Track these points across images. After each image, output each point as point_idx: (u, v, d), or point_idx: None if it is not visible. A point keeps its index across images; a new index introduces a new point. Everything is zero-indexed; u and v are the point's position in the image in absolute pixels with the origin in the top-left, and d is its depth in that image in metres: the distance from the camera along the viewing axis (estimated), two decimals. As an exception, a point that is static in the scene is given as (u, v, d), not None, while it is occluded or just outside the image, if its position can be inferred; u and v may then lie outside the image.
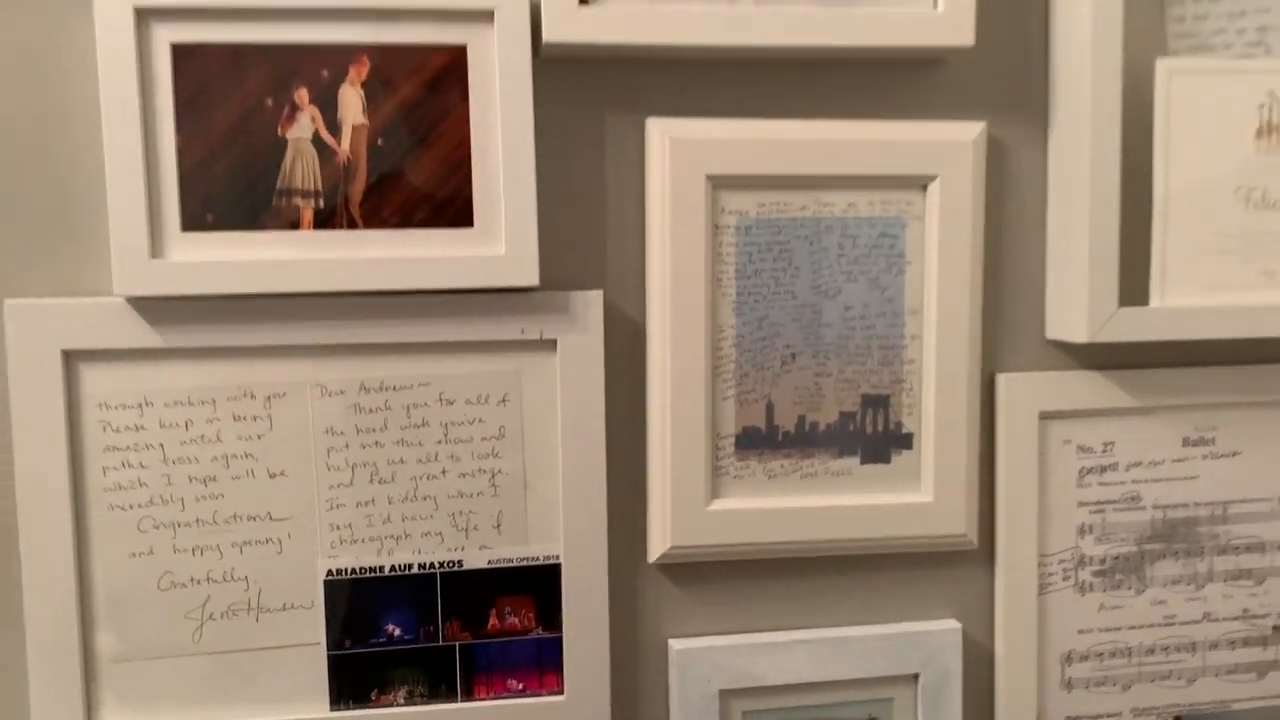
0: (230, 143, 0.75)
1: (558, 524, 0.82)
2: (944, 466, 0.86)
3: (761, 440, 0.85)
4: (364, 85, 0.76)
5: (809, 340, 0.85)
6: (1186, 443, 0.90)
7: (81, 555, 0.77)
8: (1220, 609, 0.92)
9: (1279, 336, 0.85)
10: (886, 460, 0.87)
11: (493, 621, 0.83)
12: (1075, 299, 0.84)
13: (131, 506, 0.78)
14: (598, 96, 0.82)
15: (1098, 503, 0.90)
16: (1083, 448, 0.89)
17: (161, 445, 0.78)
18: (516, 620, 0.83)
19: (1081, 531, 0.90)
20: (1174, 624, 0.91)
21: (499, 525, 0.82)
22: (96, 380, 0.76)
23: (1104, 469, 0.89)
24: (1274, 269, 0.85)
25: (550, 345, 0.81)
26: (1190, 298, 0.84)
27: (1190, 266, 0.84)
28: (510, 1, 0.76)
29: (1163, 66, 0.82)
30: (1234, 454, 0.91)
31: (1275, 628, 0.93)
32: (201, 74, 0.74)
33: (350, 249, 0.77)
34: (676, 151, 0.81)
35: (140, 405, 0.77)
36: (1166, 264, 0.84)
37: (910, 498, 0.87)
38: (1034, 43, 0.87)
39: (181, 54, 0.74)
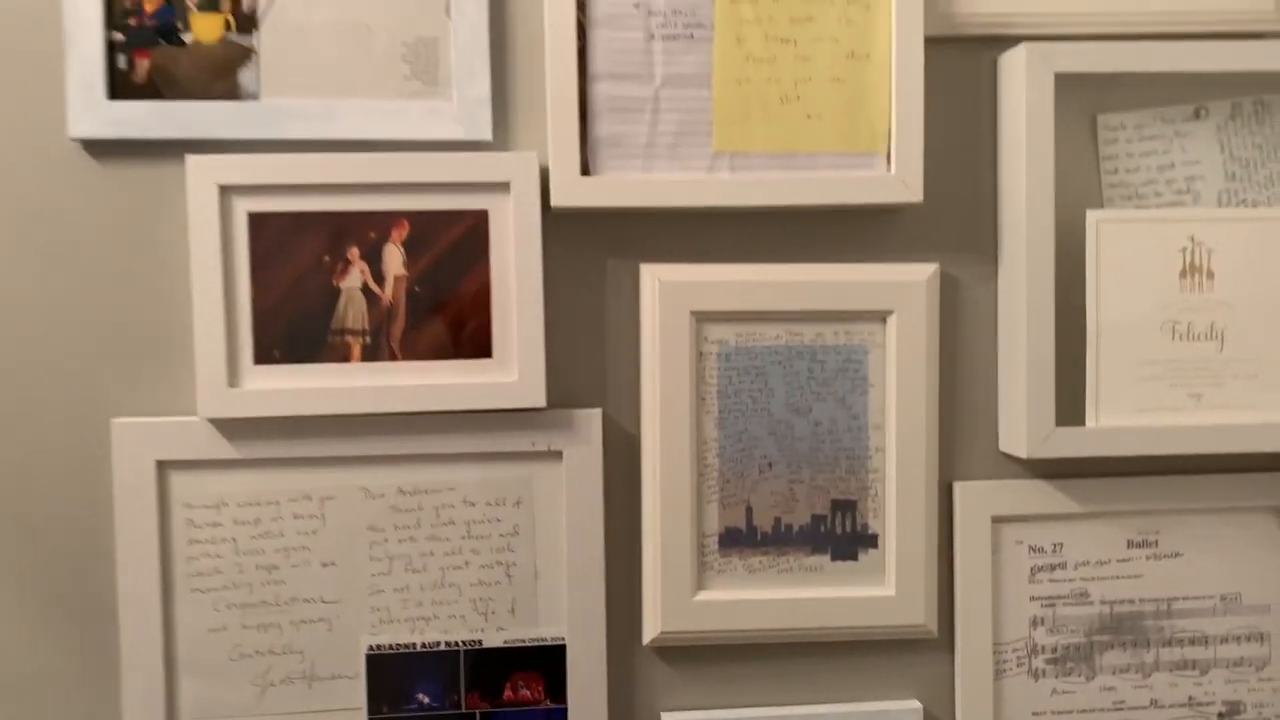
0: (294, 291, 0.92)
1: (563, 610, 0.96)
2: (906, 564, 0.98)
3: (742, 539, 0.98)
4: (404, 243, 0.93)
5: (784, 451, 0.98)
6: (1131, 544, 1.00)
7: (168, 629, 0.93)
8: (1167, 696, 1.01)
9: (1208, 453, 0.95)
10: (854, 558, 0.99)
11: (508, 693, 0.96)
12: (1017, 419, 0.95)
13: (209, 590, 0.94)
14: (599, 245, 0.97)
15: (1049, 597, 1.00)
16: (1034, 548, 1.00)
17: (234, 539, 0.94)
18: (528, 692, 0.97)
19: (1034, 623, 1.00)
20: (1123, 709, 1.01)
21: (513, 610, 0.96)
22: (183, 485, 0.93)
23: (1054, 567, 1.00)
24: (1200, 392, 0.95)
25: (557, 456, 0.95)
26: (1122, 419, 0.95)
27: (1122, 391, 0.95)
28: (523, 175, 0.92)
29: (1092, 217, 0.94)
30: (1176, 555, 1.00)
31: (1220, 715, 1.01)
32: (272, 236, 0.91)
33: (391, 378, 0.92)
34: (665, 292, 0.95)
35: (218, 506, 0.93)
36: (1100, 389, 0.95)
37: (876, 591, 0.98)
38: (984, 191, 0.99)
39: (256, 220, 0.91)
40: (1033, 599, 1.00)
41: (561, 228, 0.96)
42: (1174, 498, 1.00)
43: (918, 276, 0.97)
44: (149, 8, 0.92)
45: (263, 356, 0.92)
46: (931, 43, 0.95)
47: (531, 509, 0.96)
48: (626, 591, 0.98)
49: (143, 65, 0.92)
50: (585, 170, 0.94)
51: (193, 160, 0.90)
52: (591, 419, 0.96)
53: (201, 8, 0.93)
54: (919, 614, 0.98)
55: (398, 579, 0.95)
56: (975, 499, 0.99)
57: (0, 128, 0.92)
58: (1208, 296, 0.95)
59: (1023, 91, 0.93)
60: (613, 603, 0.97)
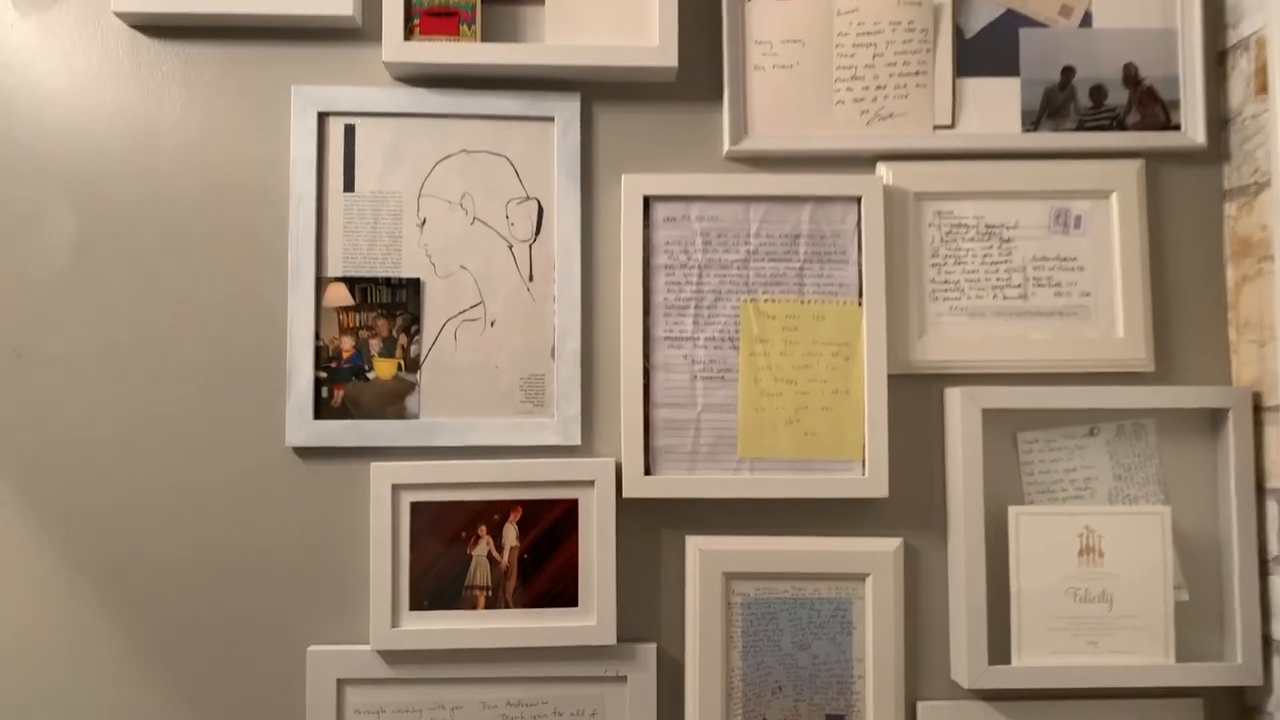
0: (440, 558, 1.30)
1: (626, 795, 1.30)
2: (882, 764, 1.31)
3: (759, 743, 1.32)
4: (518, 523, 1.31)
5: (790, 677, 1.32)
6: (1054, 753, 1.33)
7: (337, 804, 1.28)
8: None
9: (1102, 687, 1.29)
10: (843, 758, 1.32)
11: None
12: (961, 658, 1.30)
13: (369, 775, 1.29)
14: (656, 523, 1.34)
15: (991, 792, 1.32)
16: (979, 753, 1.33)
17: (389, 737, 1.30)
18: None
19: (980, 812, 1.32)
20: None
21: (588, 794, 1.31)
22: (355, 696, 1.29)
23: (995, 769, 1.33)
24: (1096, 640, 1.29)
25: (623, 679, 1.31)
26: (1038, 660, 1.29)
27: (1038, 639, 1.29)
28: (604, 475, 1.30)
29: (1012, 511, 1.30)
30: (1089, 762, 1.33)
31: None
32: (426, 519, 1.30)
33: (505, 622, 1.29)
34: (704, 558, 1.32)
35: (378, 713, 1.29)
36: (1021, 638, 1.29)
37: (859, 785, 1.32)
38: (936, 485, 1.36)
39: (416, 508, 1.30)
40: (979, 793, 1.32)
41: (630, 511, 1.33)
42: (1085, 718, 1.32)
43: (887, 548, 1.33)
44: (345, 354, 1.33)
45: (416, 605, 1.29)
46: (895, 380, 1.34)
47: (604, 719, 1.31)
48: (673, 782, 1.32)
49: (339, 394, 1.33)
50: (648, 471, 1.32)
51: (375, 466, 1.29)
52: (649, 652, 1.31)
53: (381, 355, 1.33)
54: (892, 804, 1.31)
55: (505, 769, 1.30)
56: (934, 716, 1.33)
57: (239, 439, 1.32)
58: (1100, 570, 1.30)
59: (959, 421, 1.31)
60: (662, 790, 1.31)
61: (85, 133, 1.34)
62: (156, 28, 1.35)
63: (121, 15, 1.33)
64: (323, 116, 1.34)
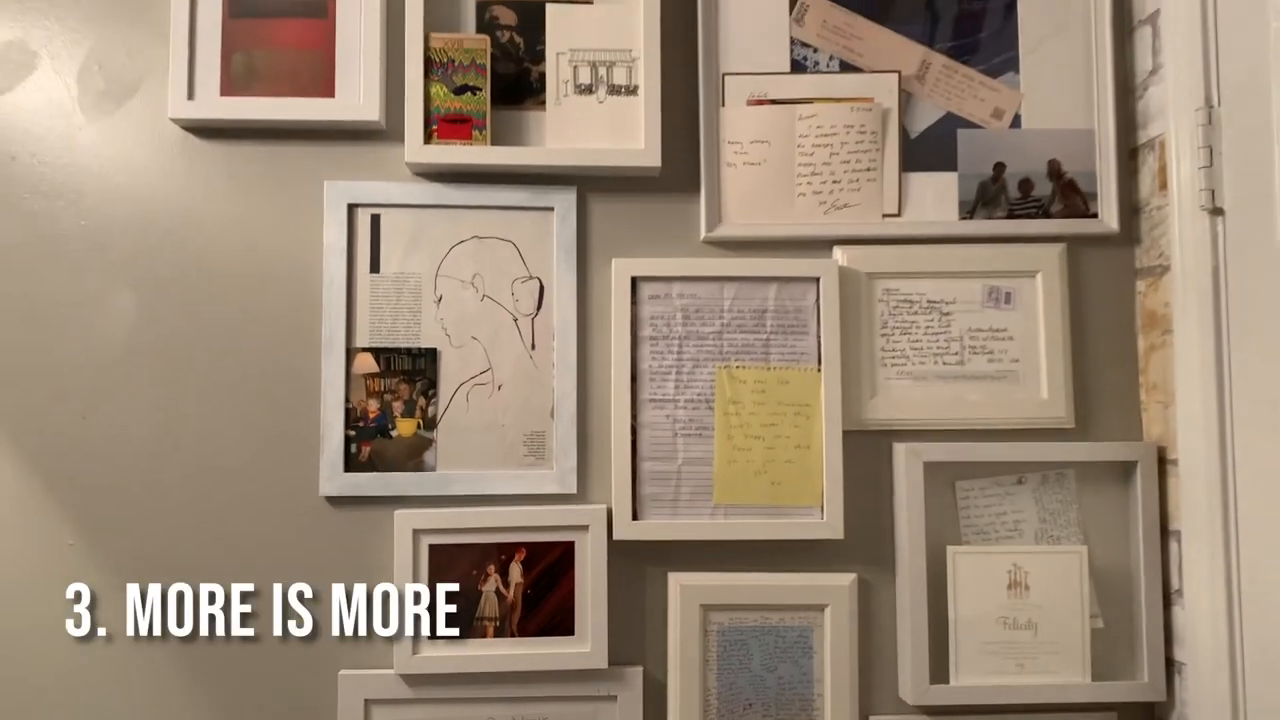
0: (454, 594, 1.49)
1: (616, 799, 1.50)
2: (839, 771, 1.51)
3: (732, 753, 1.52)
4: (522, 562, 1.50)
5: (759, 695, 1.52)
6: (989, 760, 1.53)
7: (365, 808, 1.47)
8: None
9: (1028, 703, 1.49)
10: (805, 766, 1.52)
11: None
12: (907, 677, 1.50)
13: (392, 783, 1.48)
14: (642, 561, 1.54)
15: (934, 796, 1.52)
16: (923, 762, 1.53)
17: (409, 750, 1.49)
18: None
19: (925, 813, 1.52)
20: None
21: (584, 799, 1.50)
22: (381, 715, 1.48)
23: (937, 775, 1.53)
24: (1023, 663, 1.49)
25: (613, 698, 1.50)
26: (973, 680, 1.49)
27: (974, 661, 1.49)
28: (597, 520, 1.50)
29: (950, 551, 1.51)
30: (1019, 769, 1.53)
31: None
32: (442, 558, 1.49)
33: (511, 649, 1.49)
34: (684, 592, 1.52)
35: (401, 728, 1.49)
36: (959, 660, 1.49)
37: (819, 790, 1.52)
38: (885, 527, 1.56)
39: (434, 549, 1.49)
40: (924, 797, 1.52)
41: (620, 551, 1.53)
42: (1015, 730, 1.53)
43: (843, 582, 1.53)
44: (371, 415, 1.53)
45: (434, 635, 1.48)
46: (849, 436, 1.54)
47: (597, 732, 1.51)
48: (657, 788, 1.52)
49: (365, 450, 1.52)
50: (635, 516, 1.52)
51: (398, 513, 1.49)
52: (636, 674, 1.51)
53: (403, 415, 1.53)
54: (848, 806, 1.51)
55: (510, 777, 1.50)
56: (884, 728, 1.53)
57: (279, 490, 1.51)
58: (1026, 601, 1.50)
59: (904, 472, 1.52)
60: (648, 795, 1.51)
61: (144, 222, 1.54)
62: (206, 130, 1.55)
63: (176, 120, 1.53)
64: (352, 208, 1.54)
